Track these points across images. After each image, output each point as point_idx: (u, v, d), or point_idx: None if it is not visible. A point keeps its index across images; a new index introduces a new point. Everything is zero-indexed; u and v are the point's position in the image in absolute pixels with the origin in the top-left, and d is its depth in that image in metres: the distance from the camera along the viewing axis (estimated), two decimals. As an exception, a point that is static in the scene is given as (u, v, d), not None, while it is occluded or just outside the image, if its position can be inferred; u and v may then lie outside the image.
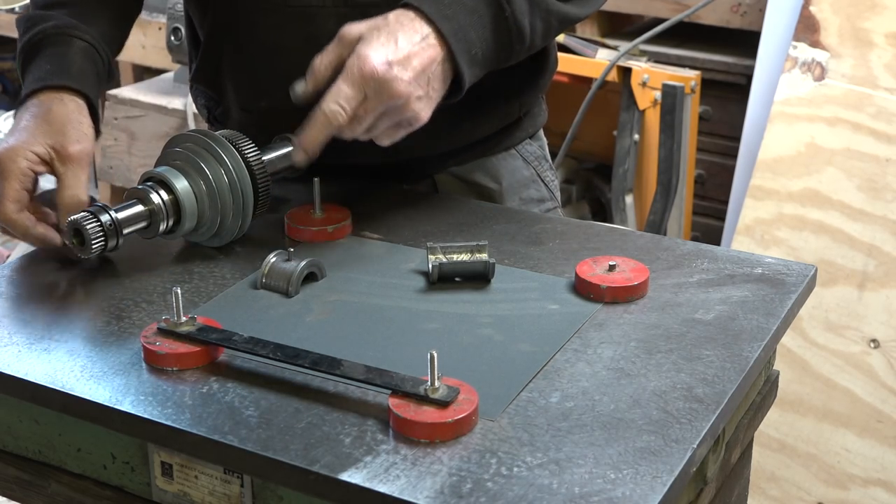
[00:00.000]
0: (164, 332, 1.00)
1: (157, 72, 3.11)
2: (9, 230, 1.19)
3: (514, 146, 1.45)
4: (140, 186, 1.15)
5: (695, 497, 1.00)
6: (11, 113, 3.87)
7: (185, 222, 1.15)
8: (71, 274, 1.16)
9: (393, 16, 1.15)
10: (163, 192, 1.14)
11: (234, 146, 1.17)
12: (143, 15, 3.00)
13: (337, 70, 1.15)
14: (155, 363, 0.99)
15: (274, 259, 1.14)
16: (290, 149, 1.28)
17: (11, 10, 3.46)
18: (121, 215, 1.11)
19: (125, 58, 3.14)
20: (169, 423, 0.91)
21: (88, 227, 1.08)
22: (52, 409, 0.98)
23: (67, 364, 0.99)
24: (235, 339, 0.99)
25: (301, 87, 1.18)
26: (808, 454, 2.30)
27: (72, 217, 1.09)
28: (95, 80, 1.28)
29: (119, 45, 1.40)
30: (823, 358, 2.29)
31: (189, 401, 0.94)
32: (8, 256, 3.40)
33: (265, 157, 1.20)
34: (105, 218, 1.09)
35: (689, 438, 0.89)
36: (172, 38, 2.74)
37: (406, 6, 1.16)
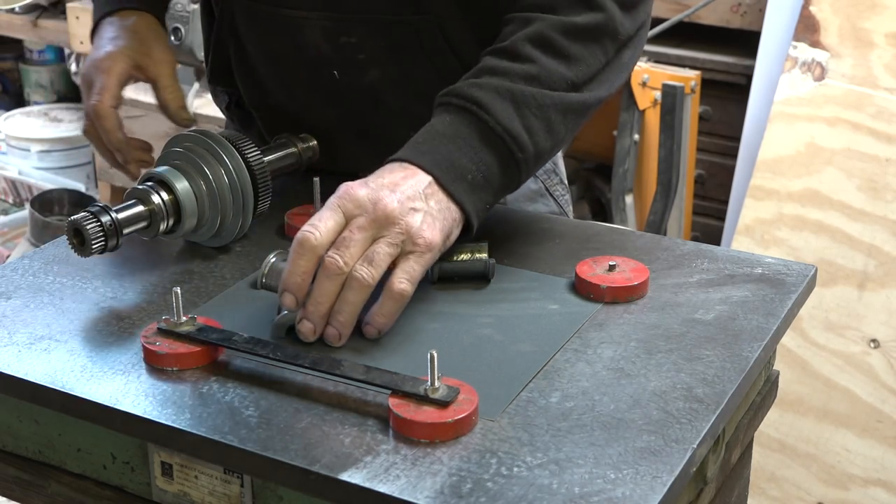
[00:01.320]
0: (164, 332, 1.00)
1: (157, 72, 3.11)
2: (98, 123, 1.29)
3: None
4: (140, 186, 1.15)
5: (695, 497, 1.00)
6: (11, 113, 3.88)
7: (185, 222, 1.15)
8: (71, 274, 1.16)
9: (375, 172, 1.07)
10: (163, 192, 1.14)
11: (234, 146, 1.17)
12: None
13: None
14: (155, 363, 0.99)
15: (274, 259, 1.14)
16: (290, 149, 1.29)
17: (11, 10, 3.45)
18: (121, 215, 1.11)
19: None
20: (169, 423, 0.91)
21: (88, 227, 1.08)
22: (52, 409, 0.98)
23: (67, 364, 0.99)
24: (235, 339, 0.99)
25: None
26: (808, 454, 2.30)
27: (72, 217, 1.09)
28: (160, 1, 1.41)
29: None
30: (823, 358, 2.29)
31: (189, 401, 0.94)
32: (8, 256, 3.40)
33: (266, 158, 1.20)
34: (105, 218, 1.09)
35: (689, 438, 0.89)
36: (172, 38, 2.74)
37: (383, 163, 1.08)
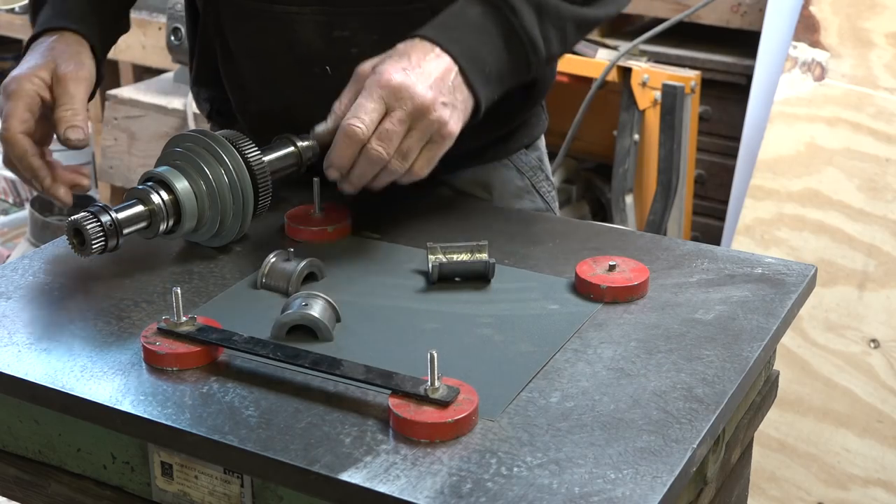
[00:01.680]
0: (164, 332, 1.00)
1: (157, 72, 3.11)
2: (9, 152, 1.22)
3: (508, 156, 1.43)
4: (140, 186, 1.15)
5: (695, 497, 1.00)
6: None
7: (185, 222, 1.15)
8: (71, 274, 1.16)
9: (402, 45, 1.15)
10: (163, 193, 1.14)
11: (234, 146, 1.17)
12: (144, 15, 3.00)
13: None
14: (155, 363, 0.99)
15: (274, 259, 1.14)
16: (290, 149, 1.28)
17: (11, 10, 3.46)
18: (121, 215, 1.11)
19: (125, 58, 3.14)
20: (169, 423, 0.91)
21: (88, 227, 1.08)
22: (52, 409, 0.98)
23: (67, 364, 0.99)
24: (235, 339, 0.99)
25: (322, 127, 1.18)
26: (808, 454, 2.30)
27: (72, 217, 1.09)
28: (97, 22, 1.33)
29: None
30: (823, 358, 2.29)
31: (189, 401, 0.94)
32: (8, 256, 3.40)
33: (266, 158, 1.20)
34: (105, 218, 1.09)
35: (689, 438, 0.89)
36: (172, 38, 2.74)
37: (412, 37, 1.16)
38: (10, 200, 3.74)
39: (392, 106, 1.11)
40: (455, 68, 1.14)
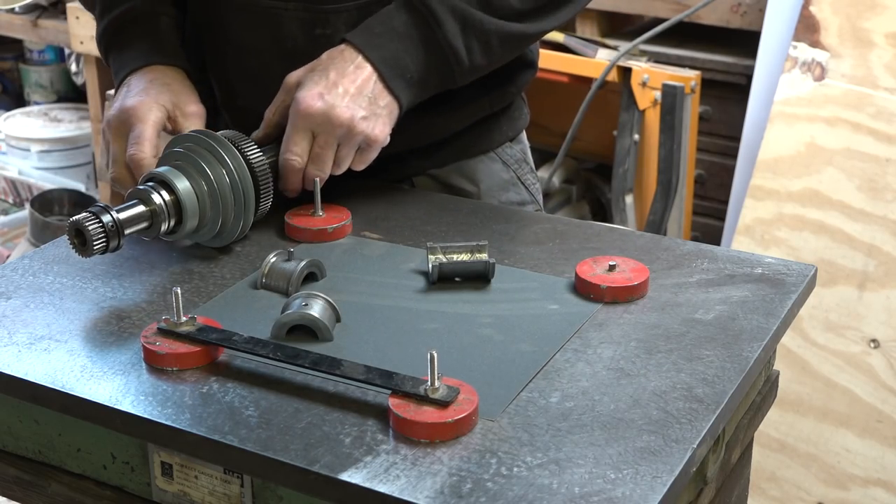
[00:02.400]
0: (164, 332, 1.00)
1: (157, 72, 3.11)
2: (137, 173, 1.22)
3: (493, 149, 1.45)
4: (142, 187, 1.14)
5: (695, 497, 1.00)
6: (11, 113, 3.88)
7: (186, 223, 1.15)
8: (71, 274, 1.16)
9: (326, 55, 1.23)
10: (164, 193, 1.14)
11: (235, 147, 1.17)
12: (143, 15, 3.00)
13: (284, 115, 1.23)
14: (155, 363, 0.99)
15: (274, 259, 1.14)
16: None
17: (11, 10, 3.45)
18: (122, 216, 1.10)
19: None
20: (169, 423, 0.91)
21: (90, 227, 1.08)
22: (52, 409, 0.98)
23: (67, 364, 1.00)
24: (235, 339, 0.99)
25: (255, 135, 1.25)
26: (808, 454, 2.30)
27: (73, 217, 1.09)
28: (185, 56, 1.37)
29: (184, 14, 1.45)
30: (823, 358, 2.29)
31: (189, 401, 0.94)
32: (8, 256, 3.40)
33: (267, 158, 1.20)
34: (106, 218, 1.09)
35: (689, 438, 0.89)
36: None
37: (341, 42, 1.23)
38: (10, 200, 3.74)
39: (317, 132, 1.20)
40: (375, 76, 1.21)
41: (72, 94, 3.98)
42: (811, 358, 2.30)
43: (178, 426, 0.91)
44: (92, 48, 3.13)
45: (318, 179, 1.23)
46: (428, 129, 1.37)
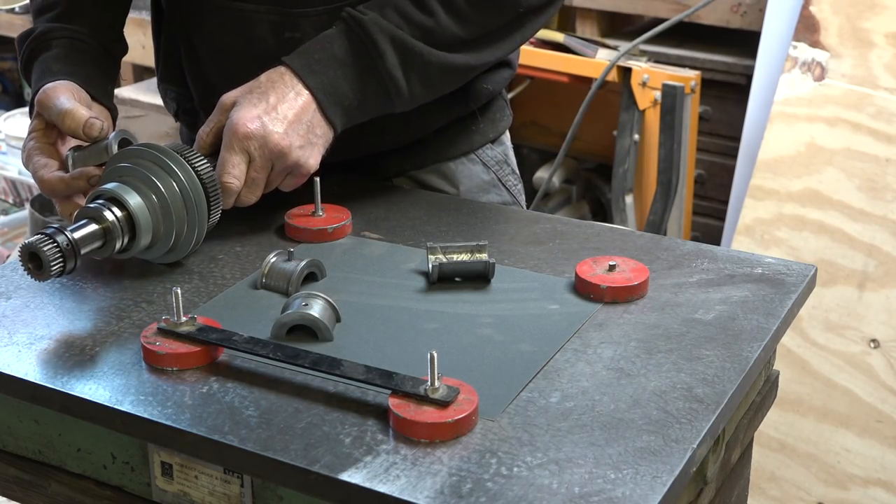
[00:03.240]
0: (164, 332, 1.00)
1: (157, 72, 3.11)
2: (58, 192, 1.23)
3: (474, 151, 1.45)
4: (92, 205, 1.11)
5: (695, 497, 1.00)
6: (11, 113, 3.88)
7: (140, 238, 1.12)
8: (71, 274, 1.16)
9: (265, 76, 1.21)
10: (116, 209, 1.11)
11: (182, 158, 1.14)
12: (144, 15, 2.99)
13: (218, 135, 1.21)
14: (155, 363, 0.99)
15: (274, 259, 1.14)
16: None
17: (11, 10, 3.46)
18: (77, 235, 1.07)
19: (125, 58, 3.15)
20: (169, 423, 0.91)
21: (46, 249, 1.05)
22: (52, 409, 0.98)
23: (67, 364, 1.00)
24: (235, 339, 0.99)
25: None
26: (808, 454, 2.30)
27: (26, 241, 1.07)
28: (84, 69, 1.33)
29: (115, 25, 1.45)
30: (823, 358, 2.29)
31: (189, 401, 0.94)
32: (8, 256, 3.40)
33: (215, 168, 1.18)
34: (62, 239, 1.06)
35: (689, 438, 0.89)
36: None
37: (279, 65, 1.22)
38: (10, 200, 3.74)
39: (253, 155, 1.18)
40: (313, 105, 1.20)
41: (72, 94, 3.97)
42: (811, 358, 2.30)
43: (178, 426, 0.91)
44: (92, 48, 3.13)
45: (317, 179, 1.23)
46: (406, 129, 1.37)
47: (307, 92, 1.20)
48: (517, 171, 1.52)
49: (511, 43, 1.29)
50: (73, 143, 1.27)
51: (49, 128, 1.28)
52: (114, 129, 1.28)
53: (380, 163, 1.41)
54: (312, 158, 1.21)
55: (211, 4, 1.33)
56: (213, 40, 1.35)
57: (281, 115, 1.19)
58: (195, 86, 1.41)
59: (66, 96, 1.25)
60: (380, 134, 1.29)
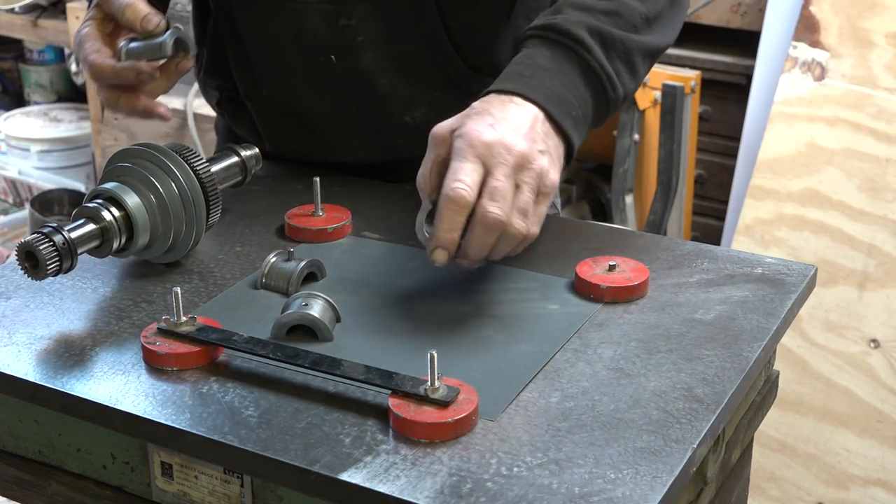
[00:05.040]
0: (164, 332, 1.00)
1: (157, 72, 3.11)
2: (103, 77, 1.20)
3: None
4: (90, 205, 1.10)
5: (695, 497, 1.00)
6: (11, 113, 3.88)
7: (138, 238, 1.12)
8: (71, 274, 1.16)
9: (476, 103, 1.08)
10: (114, 209, 1.10)
11: (182, 158, 1.14)
12: (143, 15, 3.00)
13: (441, 174, 1.04)
14: (155, 363, 0.99)
15: (274, 259, 1.14)
16: (234, 159, 1.27)
17: (11, 10, 3.45)
18: (74, 234, 1.07)
19: (125, 58, 3.15)
20: (169, 423, 0.91)
21: (42, 249, 1.04)
22: (52, 409, 0.98)
23: (67, 364, 1.00)
24: (235, 339, 0.99)
25: (421, 218, 1.07)
26: (808, 454, 2.30)
27: (23, 240, 1.07)
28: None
29: None
30: (823, 358, 2.29)
31: (189, 401, 0.94)
32: (8, 256, 3.40)
33: (213, 168, 1.18)
34: (58, 238, 1.05)
35: (689, 438, 0.89)
36: (172, 38, 2.74)
37: (486, 94, 1.09)
38: (10, 200, 3.74)
39: (491, 163, 1.01)
40: (541, 115, 1.07)
41: (72, 94, 3.98)
42: (811, 358, 2.30)
43: (178, 426, 0.91)
44: (92, 48, 3.12)
45: (317, 180, 1.22)
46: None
47: (532, 104, 1.07)
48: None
49: (679, 20, 1.23)
50: (126, 39, 1.24)
51: (107, 18, 1.24)
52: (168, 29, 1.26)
53: (415, 162, 1.36)
54: (553, 171, 1.05)
55: (258, 1, 1.32)
56: (260, 32, 1.34)
57: (512, 124, 1.04)
58: (241, 77, 1.40)
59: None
60: (420, 137, 1.19)
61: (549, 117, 1.07)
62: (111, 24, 1.25)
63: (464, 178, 1.00)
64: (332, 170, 1.37)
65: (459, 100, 1.17)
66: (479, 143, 1.01)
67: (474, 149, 1.01)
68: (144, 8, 1.20)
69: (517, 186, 1.02)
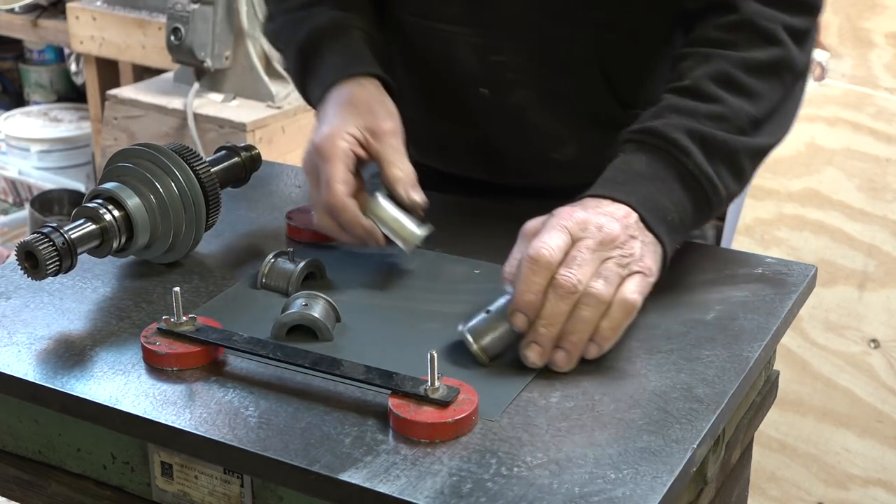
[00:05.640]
0: (164, 332, 1.00)
1: (157, 72, 3.11)
2: (339, 218, 1.12)
3: None
4: (89, 205, 1.10)
5: (695, 497, 1.00)
6: (11, 113, 3.88)
7: (138, 238, 1.12)
8: (71, 274, 1.16)
9: (563, 208, 1.04)
10: (113, 209, 1.10)
11: (182, 158, 1.14)
12: (144, 15, 3.00)
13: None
14: (155, 363, 0.99)
15: (274, 259, 1.14)
16: (235, 159, 1.26)
17: (11, 10, 3.45)
18: (73, 235, 1.07)
19: (125, 58, 3.14)
20: (169, 423, 0.91)
21: (42, 248, 1.04)
22: (52, 409, 0.98)
23: (67, 364, 1.00)
24: (235, 339, 0.99)
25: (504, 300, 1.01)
26: (808, 454, 2.30)
27: (23, 240, 1.07)
28: (384, 64, 1.25)
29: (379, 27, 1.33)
30: (823, 358, 2.29)
31: (189, 401, 0.94)
32: (8, 256, 3.40)
33: (213, 169, 1.18)
34: (58, 238, 1.05)
35: (689, 438, 0.89)
36: (172, 37, 2.74)
37: (580, 198, 1.06)
38: (10, 200, 3.74)
39: (578, 237, 0.99)
40: (635, 216, 1.03)
41: (72, 94, 3.98)
42: (811, 358, 2.30)
43: (178, 426, 0.91)
44: (92, 48, 3.13)
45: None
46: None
47: (625, 206, 1.04)
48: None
49: (792, 113, 1.17)
50: (375, 180, 1.17)
51: (365, 147, 1.15)
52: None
53: (565, 190, 1.15)
54: (647, 257, 1.01)
55: (409, 22, 1.29)
56: (410, 56, 1.32)
57: (607, 212, 1.02)
58: (403, 95, 1.34)
59: (397, 141, 1.15)
60: (580, 173, 1.13)
61: (644, 221, 1.04)
62: (368, 150, 1.16)
63: (548, 241, 0.98)
64: (447, 182, 1.34)
65: (607, 138, 1.14)
66: (571, 218, 1.00)
67: (565, 222, 1.00)
68: (418, 197, 1.14)
69: (602, 261, 0.99)
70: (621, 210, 1.03)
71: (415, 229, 1.13)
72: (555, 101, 1.27)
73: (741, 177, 1.12)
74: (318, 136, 1.15)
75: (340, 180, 1.12)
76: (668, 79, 1.15)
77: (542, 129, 1.30)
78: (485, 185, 1.38)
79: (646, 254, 1.01)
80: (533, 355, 0.98)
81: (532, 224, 1.03)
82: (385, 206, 1.14)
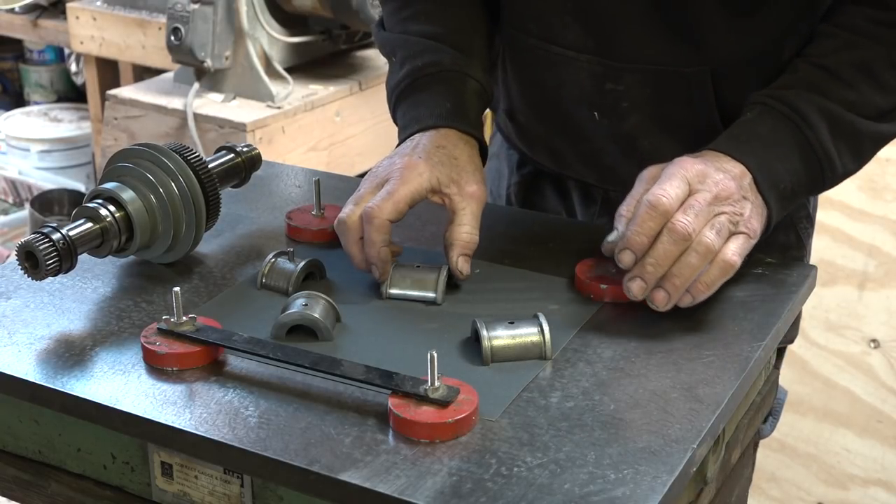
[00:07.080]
0: (164, 332, 1.00)
1: (157, 72, 3.11)
2: (367, 228, 1.10)
3: None
4: (90, 204, 1.10)
5: (695, 497, 1.00)
6: (11, 113, 3.88)
7: (137, 238, 1.12)
8: (71, 274, 1.16)
9: (690, 155, 1.09)
10: (113, 209, 1.10)
11: (181, 157, 1.13)
12: (144, 15, 3.00)
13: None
14: (155, 363, 0.99)
15: (274, 259, 1.14)
16: (235, 159, 1.26)
17: (11, 10, 3.45)
18: (74, 234, 1.06)
19: (125, 58, 3.14)
20: (169, 423, 0.91)
21: (41, 248, 1.04)
22: (52, 409, 0.98)
23: (67, 364, 0.99)
24: (235, 339, 0.99)
25: (613, 236, 1.07)
26: (808, 454, 2.30)
27: (23, 240, 1.06)
28: (480, 124, 1.24)
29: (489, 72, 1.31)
30: (823, 358, 2.29)
31: (189, 401, 0.94)
32: (8, 256, 3.40)
33: (213, 168, 1.18)
34: (58, 238, 1.05)
35: (689, 438, 0.89)
36: (172, 37, 2.74)
37: (702, 150, 1.10)
38: (10, 200, 3.74)
39: (696, 188, 1.04)
40: (749, 176, 1.07)
41: (72, 94, 3.98)
42: (811, 358, 2.30)
43: (178, 426, 0.91)
44: (92, 48, 3.13)
45: (317, 180, 1.22)
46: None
47: (742, 165, 1.08)
48: (813, 216, 1.40)
49: None
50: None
51: (454, 193, 1.13)
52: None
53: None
54: (755, 219, 1.06)
55: (527, 42, 1.28)
56: (525, 75, 1.31)
57: (723, 167, 1.06)
58: (504, 93, 1.36)
59: (478, 208, 1.13)
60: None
61: (757, 185, 1.08)
62: (441, 201, 1.15)
63: (667, 189, 1.02)
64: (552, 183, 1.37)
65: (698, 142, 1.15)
66: (691, 168, 1.04)
67: (686, 172, 1.04)
68: (465, 269, 1.12)
69: (716, 215, 1.03)
70: (738, 168, 1.07)
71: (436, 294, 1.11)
72: (668, 127, 1.27)
73: (861, 158, 1.16)
74: (405, 158, 1.13)
75: (402, 201, 1.10)
76: (799, 47, 1.17)
77: (653, 150, 1.27)
78: (592, 188, 1.37)
79: (754, 216, 1.06)
80: (636, 288, 1.03)
81: (651, 170, 1.08)
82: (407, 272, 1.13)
